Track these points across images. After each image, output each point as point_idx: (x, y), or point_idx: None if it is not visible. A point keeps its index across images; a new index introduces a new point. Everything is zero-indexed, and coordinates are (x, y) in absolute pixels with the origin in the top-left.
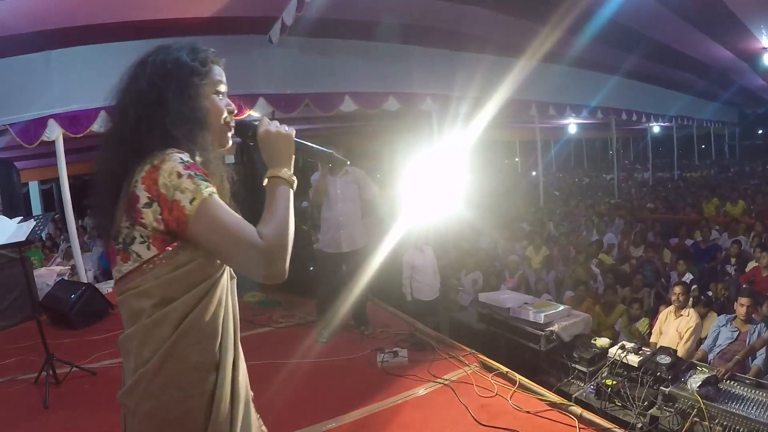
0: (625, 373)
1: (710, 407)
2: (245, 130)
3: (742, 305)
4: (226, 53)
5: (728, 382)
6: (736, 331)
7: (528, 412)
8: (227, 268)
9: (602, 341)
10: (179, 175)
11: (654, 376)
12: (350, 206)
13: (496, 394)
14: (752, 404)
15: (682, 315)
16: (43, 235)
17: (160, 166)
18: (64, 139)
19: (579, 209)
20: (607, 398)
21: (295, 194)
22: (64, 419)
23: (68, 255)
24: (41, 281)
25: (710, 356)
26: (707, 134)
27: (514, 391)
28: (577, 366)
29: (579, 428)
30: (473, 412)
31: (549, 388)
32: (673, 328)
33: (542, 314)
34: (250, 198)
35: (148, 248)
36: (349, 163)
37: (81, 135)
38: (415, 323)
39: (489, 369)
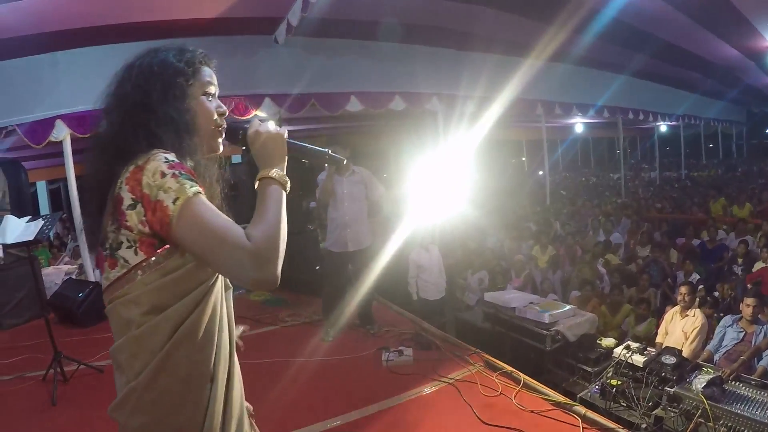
0: (630, 373)
1: (715, 408)
2: (235, 132)
3: (748, 306)
4: (232, 54)
5: (733, 383)
6: (741, 331)
7: (532, 412)
8: (222, 277)
9: (608, 341)
10: (163, 175)
11: (659, 377)
12: (357, 206)
13: (501, 393)
14: (757, 405)
15: (687, 315)
16: (51, 235)
17: (145, 166)
18: (72, 140)
19: (585, 209)
20: (612, 398)
21: (303, 195)
22: (72, 416)
23: (76, 254)
24: (49, 280)
25: (716, 357)
26: (714, 133)
27: (519, 390)
28: (583, 366)
29: (582, 428)
30: (477, 411)
31: (554, 387)
32: (679, 328)
33: (547, 314)
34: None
35: (136, 253)
36: (345, 161)
37: (88, 135)
38: (421, 322)
39: (494, 368)
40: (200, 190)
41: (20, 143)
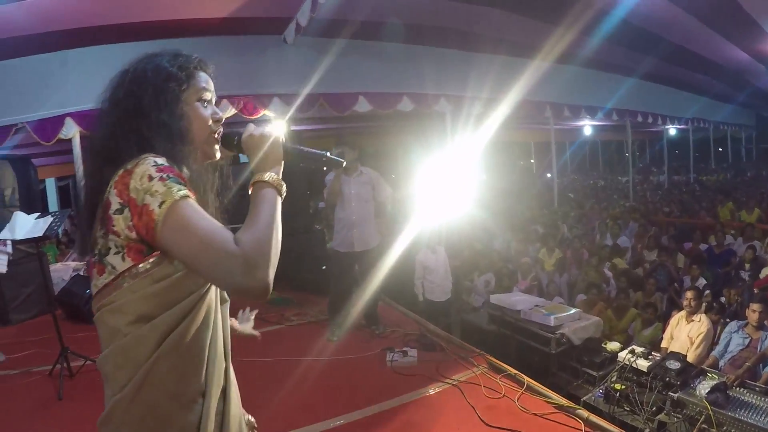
0: (635, 377)
1: (719, 414)
2: (230, 138)
3: (754, 311)
4: (241, 53)
5: (738, 389)
6: (747, 337)
7: (535, 414)
8: (216, 288)
9: (613, 345)
10: (150, 178)
11: (663, 382)
12: (364, 206)
13: (504, 395)
14: (761, 412)
15: (693, 320)
16: (60, 231)
17: (133, 170)
18: (81, 137)
19: (593, 212)
20: (616, 403)
21: (311, 195)
22: (77, 410)
23: None
24: (57, 276)
25: (721, 363)
26: (724, 137)
27: (522, 392)
28: (587, 370)
29: (585, 431)
30: (480, 413)
31: (558, 391)
32: (685, 333)
33: (553, 317)
34: None
35: (123, 259)
36: (344, 163)
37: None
38: (426, 323)
39: (497, 370)
40: (189, 193)
41: (30, 140)
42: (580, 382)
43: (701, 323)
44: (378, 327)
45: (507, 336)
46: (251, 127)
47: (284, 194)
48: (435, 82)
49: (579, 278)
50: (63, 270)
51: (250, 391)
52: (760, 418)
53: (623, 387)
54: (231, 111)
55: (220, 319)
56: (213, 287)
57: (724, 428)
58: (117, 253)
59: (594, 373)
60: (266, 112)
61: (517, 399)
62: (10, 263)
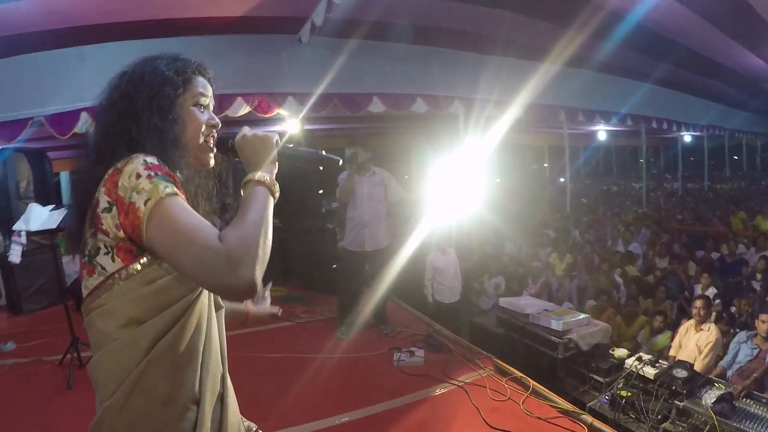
0: (641, 385)
1: (724, 424)
2: (225, 141)
3: (763, 322)
4: (256, 52)
5: (744, 399)
6: (756, 348)
7: (539, 418)
8: (209, 294)
9: (620, 352)
10: (138, 176)
11: (669, 390)
12: (375, 206)
13: (509, 398)
14: (767, 424)
15: (702, 329)
16: None
17: (123, 168)
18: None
19: (606, 218)
20: (621, 409)
21: (324, 195)
22: (86, 399)
23: None
24: (69, 268)
25: (729, 373)
26: (739, 144)
27: (527, 396)
28: (594, 375)
29: None
30: (484, 415)
31: (564, 396)
32: (693, 342)
33: (561, 322)
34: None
35: (113, 260)
36: (341, 162)
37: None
38: (433, 324)
39: (503, 373)
40: (176, 191)
41: (45, 134)
42: (587, 388)
43: (710, 332)
44: (386, 326)
45: (515, 339)
46: (245, 129)
47: (277, 194)
48: (449, 84)
49: (589, 284)
50: (74, 262)
51: (258, 385)
52: (766, 430)
53: (629, 394)
54: (245, 109)
55: (215, 325)
56: (205, 292)
57: None
58: (107, 253)
59: (600, 379)
60: (280, 111)
61: (522, 402)
62: (23, 254)
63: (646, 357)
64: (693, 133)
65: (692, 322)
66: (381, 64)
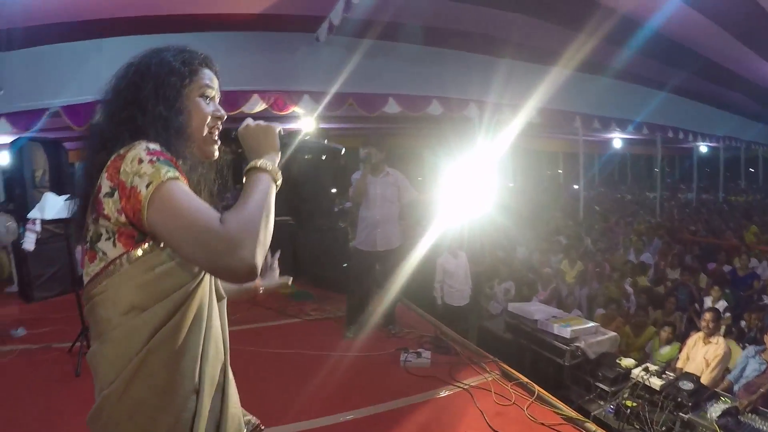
0: (647, 395)
1: None
2: (228, 133)
3: None
4: (273, 50)
5: (750, 414)
6: (764, 363)
7: (542, 424)
8: (210, 283)
9: (627, 361)
10: (140, 161)
11: (675, 402)
12: (388, 207)
13: (514, 403)
14: None
15: (710, 342)
16: None
17: (126, 154)
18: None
19: (618, 227)
20: (626, 420)
21: (337, 194)
22: (93, 387)
23: None
24: (81, 257)
25: (736, 387)
26: (755, 157)
27: (532, 402)
28: (600, 384)
29: None
30: (488, 419)
31: (569, 403)
32: (701, 354)
33: (569, 329)
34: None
35: (114, 245)
36: (343, 151)
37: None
38: (441, 326)
39: (509, 378)
40: (178, 175)
41: (62, 124)
42: (592, 396)
43: (718, 345)
44: (394, 327)
45: (522, 345)
46: (249, 120)
47: (279, 182)
48: (465, 87)
49: (599, 292)
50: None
51: (264, 380)
52: None
53: (634, 404)
54: (261, 106)
55: (216, 315)
56: (206, 280)
57: None
58: (108, 239)
59: (606, 389)
60: (296, 109)
61: (527, 408)
62: (37, 242)
63: (653, 368)
64: (709, 144)
65: (701, 334)
66: (397, 65)
